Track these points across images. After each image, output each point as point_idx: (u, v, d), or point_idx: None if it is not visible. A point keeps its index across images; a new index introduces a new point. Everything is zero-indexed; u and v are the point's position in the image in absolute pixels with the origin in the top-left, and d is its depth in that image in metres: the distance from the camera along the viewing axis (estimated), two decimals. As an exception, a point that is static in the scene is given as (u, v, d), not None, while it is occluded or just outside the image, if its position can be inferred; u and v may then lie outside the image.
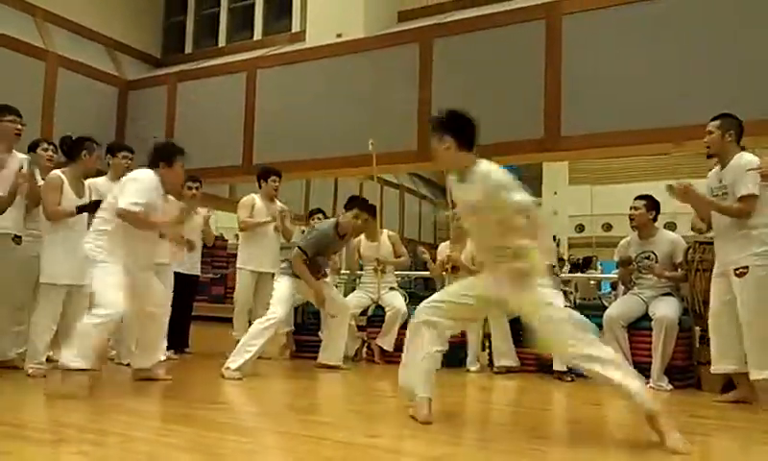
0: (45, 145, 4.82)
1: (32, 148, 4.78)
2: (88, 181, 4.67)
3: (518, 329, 5.15)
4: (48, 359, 4.38)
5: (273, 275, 5.42)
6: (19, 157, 4.39)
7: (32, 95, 7.80)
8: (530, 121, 6.23)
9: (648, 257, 4.87)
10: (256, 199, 5.90)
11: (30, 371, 4.21)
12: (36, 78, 8.14)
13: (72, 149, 4.50)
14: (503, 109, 6.36)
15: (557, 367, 4.85)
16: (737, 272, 3.84)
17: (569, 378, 4.78)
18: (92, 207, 4.44)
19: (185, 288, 5.66)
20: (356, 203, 5.09)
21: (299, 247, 4.95)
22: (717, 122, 4.03)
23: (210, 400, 4.09)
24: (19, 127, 4.45)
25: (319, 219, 6.16)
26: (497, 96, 6.40)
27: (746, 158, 3.88)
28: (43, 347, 4.29)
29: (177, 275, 5.41)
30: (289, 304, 4.97)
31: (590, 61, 6.12)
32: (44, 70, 8.27)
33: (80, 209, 4.38)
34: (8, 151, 4.35)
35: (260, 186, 5.98)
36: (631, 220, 4.98)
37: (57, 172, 4.47)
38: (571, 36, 6.28)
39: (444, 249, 5.91)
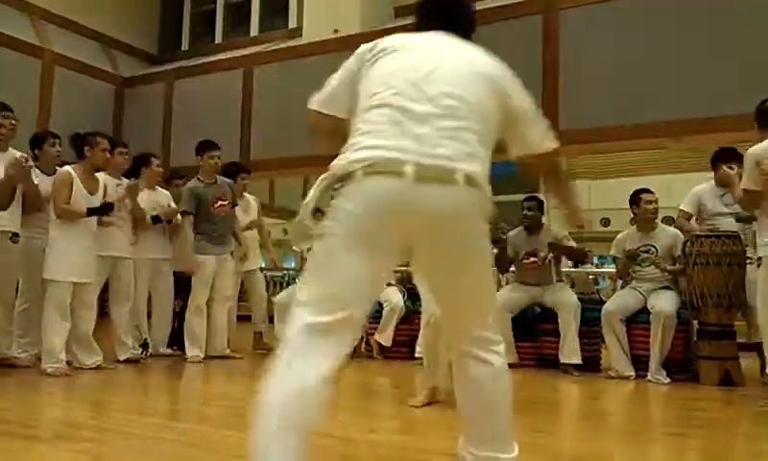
0: (52, 140, 4.67)
1: (36, 143, 4.65)
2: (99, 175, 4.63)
3: (520, 323, 5.17)
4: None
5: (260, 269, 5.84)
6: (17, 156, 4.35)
7: (28, 93, 7.78)
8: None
9: (648, 251, 4.89)
10: None
11: (48, 370, 4.14)
12: (33, 76, 8.12)
13: (78, 146, 4.47)
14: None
15: (564, 360, 4.86)
16: (758, 263, 3.72)
17: (576, 374, 4.79)
18: (103, 211, 4.43)
19: (184, 285, 5.65)
20: (202, 147, 5.41)
21: (182, 212, 5.29)
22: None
23: (209, 395, 4.10)
24: (12, 122, 4.41)
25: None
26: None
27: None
28: (60, 344, 4.21)
29: (175, 272, 5.44)
30: (207, 286, 5.24)
31: (587, 56, 6.11)
32: (40, 68, 8.25)
33: (90, 212, 4.36)
34: (3, 149, 4.31)
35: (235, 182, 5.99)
36: (653, 213, 4.88)
37: (67, 168, 4.40)
38: (568, 30, 6.27)
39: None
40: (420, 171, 1.53)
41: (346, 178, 1.57)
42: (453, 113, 1.61)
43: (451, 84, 1.65)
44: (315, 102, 1.86)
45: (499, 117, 1.74)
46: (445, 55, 1.73)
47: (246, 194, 6.04)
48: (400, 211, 1.55)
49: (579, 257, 5.77)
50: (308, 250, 1.70)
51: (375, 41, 1.81)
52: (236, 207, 5.66)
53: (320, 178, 1.64)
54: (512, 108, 1.76)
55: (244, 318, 6.39)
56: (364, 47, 1.82)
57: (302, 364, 1.52)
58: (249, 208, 6.00)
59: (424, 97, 1.62)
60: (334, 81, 1.84)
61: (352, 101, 1.75)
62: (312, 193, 1.63)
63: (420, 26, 1.89)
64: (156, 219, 5.18)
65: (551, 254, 5.18)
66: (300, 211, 1.65)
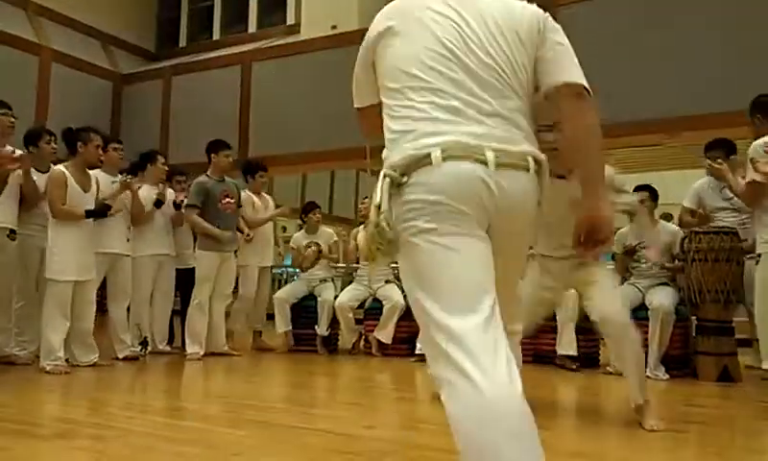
0: (48, 137, 4.63)
1: (31, 139, 4.60)
2: (93, 173, 4.61)
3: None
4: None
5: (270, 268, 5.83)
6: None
7: (25, 90, 7.76)
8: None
9: (647, 247, 4.88)
10: (253, 197, 5.93)
11: (47, 368, 4.14)
12: (30, 73, 8.10)
13: (70, 141, 4.44)
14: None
15: (561, 351, 4.86)
16: (757, 260, 3.73)
17: (574, 367, 4.79)
18: (101, 213, 4.43)
19: (184, 281, 5.65)
20: (216, 146, 5.48)
21: (187, 205, 5.28)
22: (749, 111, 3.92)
23: (210, 393, 4.10)
24: (12, 120, 4.39)
25: (318, 214, 6.26)
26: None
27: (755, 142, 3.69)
28: (59, 342, 4.21)
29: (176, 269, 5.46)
30: (209, 282, 5.25)
31: (585, 53, 6.09)
32: (38, 65, 8.24)
33: (89, 214, 4.35)
34: (1, 146, 4.30)
35: (247, 181, 6.01)
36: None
37: (60, 167, 4.38)
38: (566, 27, 6.27)
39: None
40: (500, 157, 1.45)
41: (413, 166, 1.44)
42: (501, 94, 1.51)
43: (493, 54, 1.53)
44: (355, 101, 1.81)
45: (533, 65, 1.63)
46: (477, 12, 1.56)
47: (263, 192, 6.13)
48: (484, 196, 1.44)
49: None
50: (387, 263, 1.54)
51: (390, 6, 1.63)
52: (257, 204, 5.83)
53: (380, 175, 1.48)
54: (544, 47, 1.66)
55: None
56: (377, 19, 1.64)
57: (482, 367, 1.34)
58: (268, 206, 6.12)
59: (466, 75, 1.50)
60: (355, 74, 1.74)
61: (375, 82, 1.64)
62: (379, 193, 1.46)
63: None
64: (158, 203, 5.21)
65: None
66: (371, 219, 1.46)
